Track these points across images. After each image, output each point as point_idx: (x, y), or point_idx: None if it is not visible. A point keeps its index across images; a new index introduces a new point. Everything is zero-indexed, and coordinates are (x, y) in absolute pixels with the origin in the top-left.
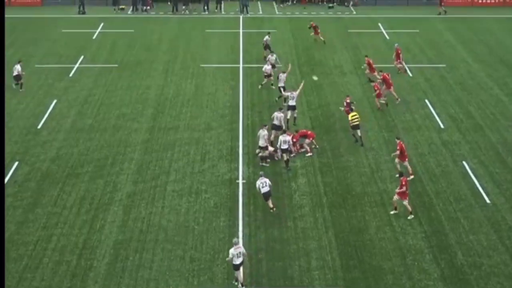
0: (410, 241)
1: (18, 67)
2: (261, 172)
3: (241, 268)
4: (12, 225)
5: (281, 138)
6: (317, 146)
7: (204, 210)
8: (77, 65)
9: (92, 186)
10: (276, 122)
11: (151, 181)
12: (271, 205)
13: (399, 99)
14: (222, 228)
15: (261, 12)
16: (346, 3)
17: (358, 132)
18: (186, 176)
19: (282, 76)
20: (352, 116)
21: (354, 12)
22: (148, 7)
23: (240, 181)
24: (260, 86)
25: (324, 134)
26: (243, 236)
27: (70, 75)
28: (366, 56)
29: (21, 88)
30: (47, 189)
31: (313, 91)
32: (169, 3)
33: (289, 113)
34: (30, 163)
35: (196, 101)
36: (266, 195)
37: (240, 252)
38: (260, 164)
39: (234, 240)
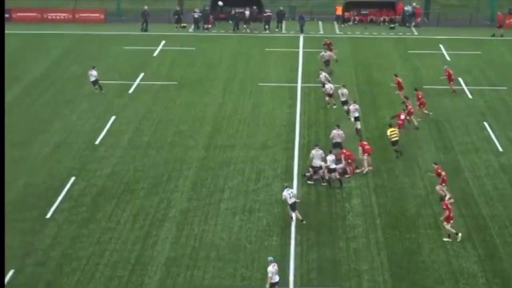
0: (463, 264)
1: (94, 73)
2: (286, 184)
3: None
4: (66, 240)
5: (329, 157)
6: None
7: (257, 228)
8: (137, 82)
9: (147, 202)
10: (338, 139)
11: (205, 198)
12: (300, 217)
13: (431, 113)
14: (274, 247)
15: (321, 32)
16: (407, 24)
17: (396, 147)
18: (240, 194)
19: (344, 91)
20: (391, 131)
21: (416, 33)
22: (210, 26)
23: (294, 200)
24: (328, 106)
25: (380, 155)
26: (295, 255)
27: (130, 91)
28: (396, 75)
29: (101, 90)
30: (102, 205)
31: (371, 112)
32: (230, 21)
33: (356, 124)
34: (87, 179)
35: (253, 120)
36: (294, 206)
37: (276, 270)
38: (312, 182)
39: (270, 258)
